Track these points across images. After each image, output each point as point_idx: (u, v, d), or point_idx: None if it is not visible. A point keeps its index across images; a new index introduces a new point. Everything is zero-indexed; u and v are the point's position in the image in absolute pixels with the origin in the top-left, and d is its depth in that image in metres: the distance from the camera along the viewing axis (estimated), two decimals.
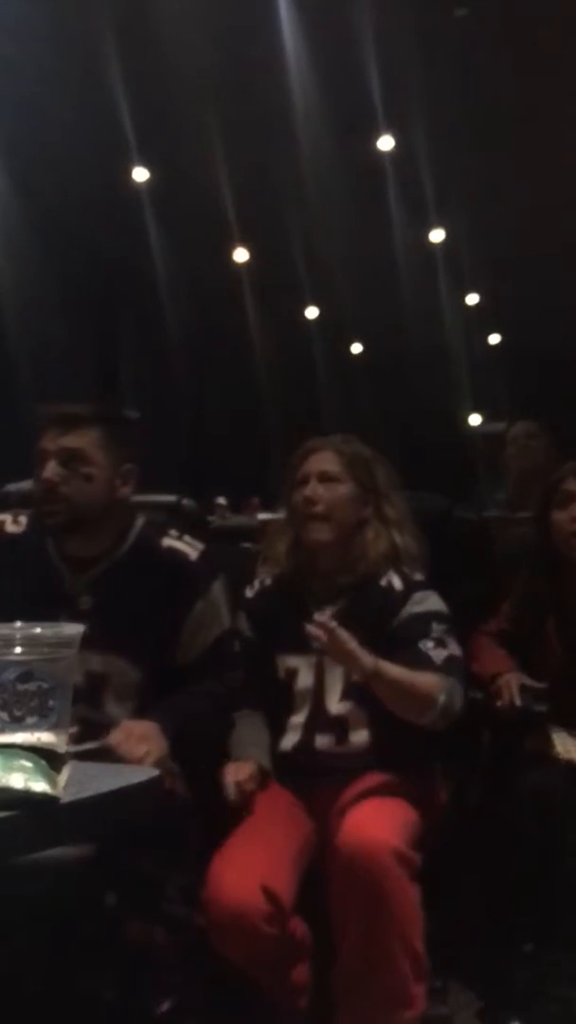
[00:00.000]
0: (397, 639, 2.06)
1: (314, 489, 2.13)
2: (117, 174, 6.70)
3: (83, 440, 1.93)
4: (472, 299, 8.93)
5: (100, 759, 1.70)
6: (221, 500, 5.16)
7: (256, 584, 2.26)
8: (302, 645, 2.05)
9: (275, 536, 2.27)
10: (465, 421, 9.61)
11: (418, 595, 2.11)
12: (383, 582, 2.13)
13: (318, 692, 2.10)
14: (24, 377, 6.94)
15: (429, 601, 2.11)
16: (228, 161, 6.24)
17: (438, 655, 2.03)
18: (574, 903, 2.02)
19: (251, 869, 1.82)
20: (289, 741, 2.10)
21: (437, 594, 2.14)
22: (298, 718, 2.10)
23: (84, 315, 8.23)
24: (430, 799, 2.10)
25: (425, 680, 2.00)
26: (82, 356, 8.24)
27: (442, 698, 1.99)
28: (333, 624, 1.94)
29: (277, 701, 2.13)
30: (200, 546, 2.02)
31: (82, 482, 1.92)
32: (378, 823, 1.88)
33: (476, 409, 9.61)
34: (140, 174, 6.87)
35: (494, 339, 9.70)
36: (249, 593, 2.24)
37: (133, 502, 2.06)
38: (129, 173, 6.81)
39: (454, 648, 2.07)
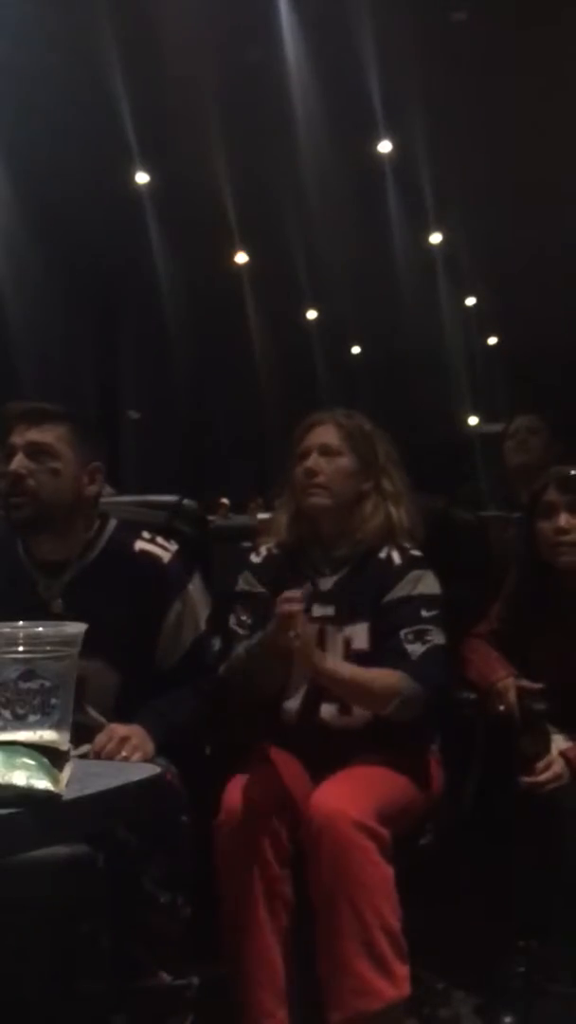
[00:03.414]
0: (384, 618, 2.09)
1: (315, 461, 2.16)
2: (118, 178, 6.73)
3: (50, 435, 1.94)
4: (470, 301, 8.96)
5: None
6: (224, 500, 5.18)
7: (262, 551, 2.26)
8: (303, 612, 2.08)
9: (277, 509, 2.29)
10: (464, 422, 9.64)
11: (414, 573, 2.12)
12: (382, 555, 2.15)
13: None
14: (26, 379, 6.96)
15: (423, 582, 2.12)
16: (228, 165, 6.27)
17: (414, 650, 2.04)
18: (572, 901, 2.02)
19: (269, 782, 1.96)
20: (293, 706, 2.11)
21: (432, 573, 2.14)
22: (299, 683, 2.10)
23: (86, 317, 8.25)
24: (426, 780, 2.11)
25: (384, 681, 2.02)
26: (84, 358, 8.25)
27: (397, 700, 2.00)
28: (299, 606, 1.95)
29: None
30: (173, 547, 2.01)
31: (49, 476, 1.93)
32: (345, 795, 1.91)
33: (474, 410, 9.64)
34: (141, 178, 6.91)
35: (492, 340, 9.73)
36: (254, 559, 2.25)
37: (134, 500, 2.05)
38: (131, 177, 6.84)
39: (435, 637, 2.07)
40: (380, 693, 2.01)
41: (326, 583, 2.14)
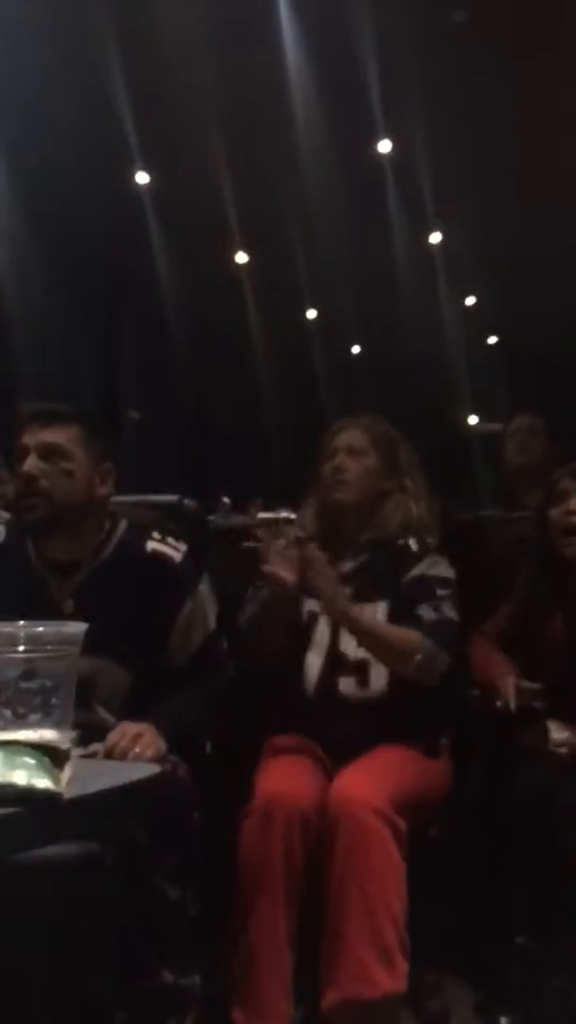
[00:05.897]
0: (402, 597, 2.20)
1: (342, 460, 2.30)
2: (119, 178, 6.73)
3: (62, 436, 1.96)
4: (470, 300, 8.96)
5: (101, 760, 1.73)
6: (225, 499, 5.16)
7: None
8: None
9: (303, 506, 2.41)
10: (463, 421, 9.65)
11: (430, 558, 2.26)
12: (399, 542, 2.28)
13: (334, 635, 2.22)
14: (27, 379, 6.97)
15: (439, 566, 2.25)
16: (229, 164, 6.27)
17: (428, 616, 2.15)
18: (570, 897, 2.03)
19: (299, 773, 2.06)
20: (310, 683, 2.21)
21: (447, 560, 2.28)
22: (316, 659, 2.22)
23: (86, 317, 8.25)
24: (437, 775, 2.19)
25: (403, 635, 2.13)
26: (84, 358, 8.26)
27: (419, 656, 2.10)
28: (313, 547, 2.11)
29: (298, 642, 2.26)
30: (183, 547, 2.04)
31: (61, 477, 1.94)
32: (365, 783, 1.98)
33: (474, 409, 9.65)
34: (142, 178, 6.92)
35: (492, 340, 9.72)
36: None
37: (134, 501, 2.07)
38: (131, 177, 6.84)
39: (449, 613, 2.18)
40: (399, 645, 2.12)
41: (345, 567, 2.27)
